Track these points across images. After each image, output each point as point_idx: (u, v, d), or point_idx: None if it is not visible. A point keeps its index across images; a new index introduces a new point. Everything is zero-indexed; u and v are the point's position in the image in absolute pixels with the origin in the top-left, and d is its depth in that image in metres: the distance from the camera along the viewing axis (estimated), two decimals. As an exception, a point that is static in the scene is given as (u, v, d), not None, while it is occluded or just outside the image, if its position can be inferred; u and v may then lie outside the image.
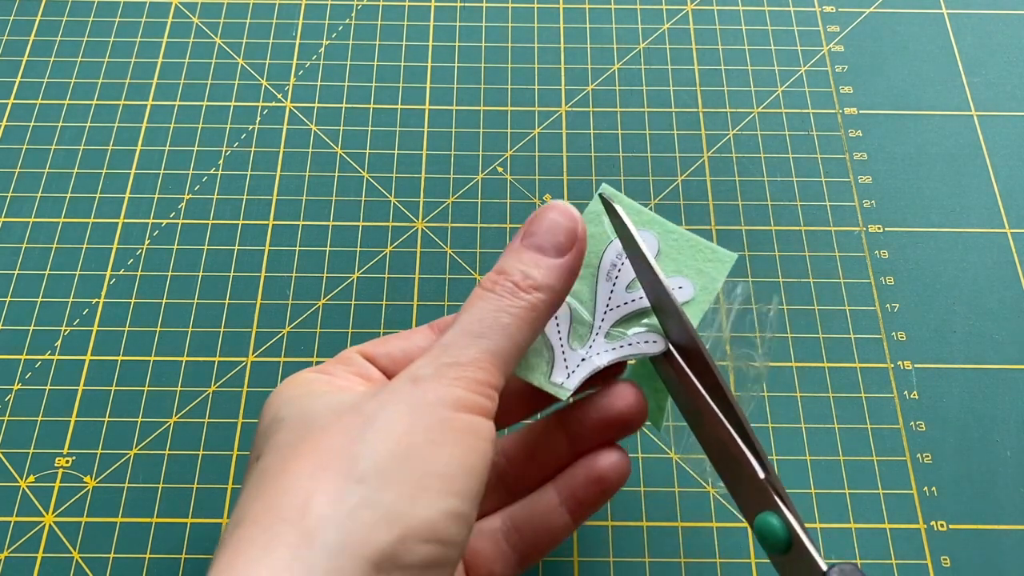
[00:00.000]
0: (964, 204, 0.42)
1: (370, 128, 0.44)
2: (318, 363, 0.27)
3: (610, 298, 0.28)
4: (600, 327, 0.28)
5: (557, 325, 0.28)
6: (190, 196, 0.42)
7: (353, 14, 0.47)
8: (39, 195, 0.42)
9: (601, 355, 0.28)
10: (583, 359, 0.27)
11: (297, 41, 0.46)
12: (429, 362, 0.23)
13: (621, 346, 0.28)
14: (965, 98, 0.45)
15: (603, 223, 0.29)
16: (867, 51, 0.46)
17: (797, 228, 0.41)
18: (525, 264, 0.25)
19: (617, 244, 0.29)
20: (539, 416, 0.31)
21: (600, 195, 0.29)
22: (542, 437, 0.29)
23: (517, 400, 0.29)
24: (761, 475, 0.25)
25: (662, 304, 0.27)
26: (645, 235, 0.29)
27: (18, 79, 0.45)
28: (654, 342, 0.28)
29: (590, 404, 0.28)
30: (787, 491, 0.25)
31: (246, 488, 0.22)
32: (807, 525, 0.34)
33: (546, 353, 0.28)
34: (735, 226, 0.41)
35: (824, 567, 0.22)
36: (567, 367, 0.27)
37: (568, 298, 0.29)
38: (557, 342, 0.28)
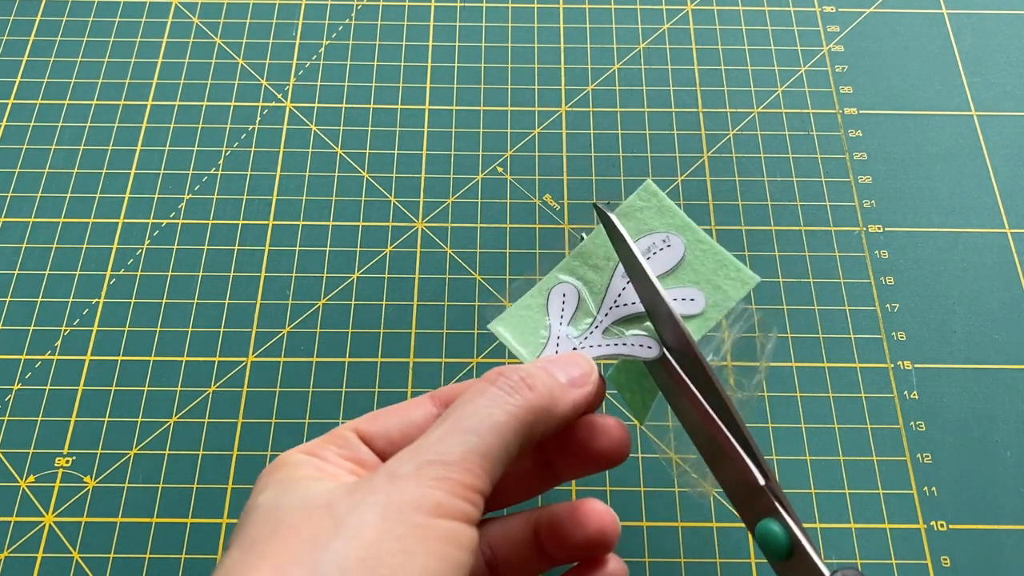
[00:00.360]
0: (964, 204, 0.42)
1: (370, 128, 0.44)
2: (314, 433, 0.26)
3: (619, 295, 0.29)
4: (601, 322, 0.28)
5: (563, 307, 0.28)
6: (190, 196, 0.42)
7: (353, 14, 0.47)
8: (39, 195, 0.42)
9: (593, 348, 0.28)
10: (574, 348, 0.28)
11: (297, 41, 0.46)
12: (411, 457, 0.21)
13: (615, 344, 0.28)
14: (965, 98, 0.45)
15: (639, 219, 0.30)
16: (867, 51, 0.46)
17: (797, 228, 0.41)
18: (533, 371, 0.24)
19: (644, 242, 0.29)
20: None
21: (595, 206, 0.29)
22: (514, 533, 0.27)
23: (516, 481, 0.27)
24: (761, 481, 0.25)
25: (657, 310, 0.27)
26: (674, 240, 0.29)
27: (18, 79, 0.45)
28: (649, 347, 0.28)
29: (558, 522, 0.26)
30: (787, 495, 0.25)
31: None
32: (807, 525, 0.34)
33: (543, 333, 0.28)
34: (735, 226, 0.41)
35: (827, 572, 0.22)
36: (558, 352, 0.27)
37: (580, 284, 0.29)
38: (557, 323, 0.28)
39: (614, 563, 0.26)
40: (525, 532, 0.27)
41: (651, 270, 0.27)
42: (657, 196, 0.30)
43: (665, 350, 0.27)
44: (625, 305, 0.28)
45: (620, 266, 0.29)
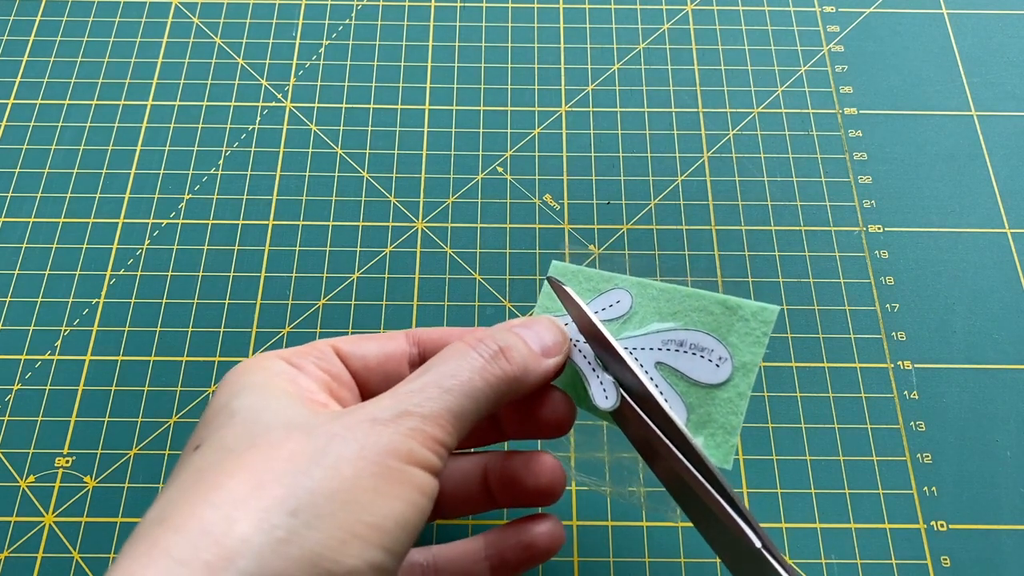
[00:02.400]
0: (964, 204, 0.42)
1: (370, 128, 0.44)
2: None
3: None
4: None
5: (581, 352, 0.28)
6: (190, 196, 0.42)
7: (353, 14, 0.47)
8: (39, 195, 0.42)
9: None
10: (613, 381, 0.28)
11: (297, 41, 0.46)
12: (391, 404, 0.23)
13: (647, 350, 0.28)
14: (965, 98, 0.45)
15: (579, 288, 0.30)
16: (867, 51, 0.46)
17: (797, 228, 0.41)
18: (512, 341, 0.25)
19: (597, 303, 0.30)
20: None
21: (548, 279, 0.30)
22: (465, 474, 0.29)
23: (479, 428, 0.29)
24: (757, 544, 0.24)
25: (610, 361, 0.28)
26: (617, 293, 0.29)
27: (18, 79, 0.45)
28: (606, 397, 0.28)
29: (511, 467, 0.28)
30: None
31: (178, 479, 0.21)
32: (809, 526, 0.34)
33: (581, 381, 0.28)
34: (735, 226, 0.41)
35: None
36: (604, 390, 0.27)
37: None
38: (587, 367, 0.28)
39: (552, 523, 0.28)
40: (474, 473, 0.28)
41: (610, 335, 0.28)
42: (574, 271, 0.30)
43: (630, 399, 0.27)
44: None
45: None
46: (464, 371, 0.24)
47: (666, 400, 0.27)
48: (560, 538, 0.28)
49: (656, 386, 0.27)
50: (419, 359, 0.28)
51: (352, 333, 0.38)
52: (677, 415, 0.26)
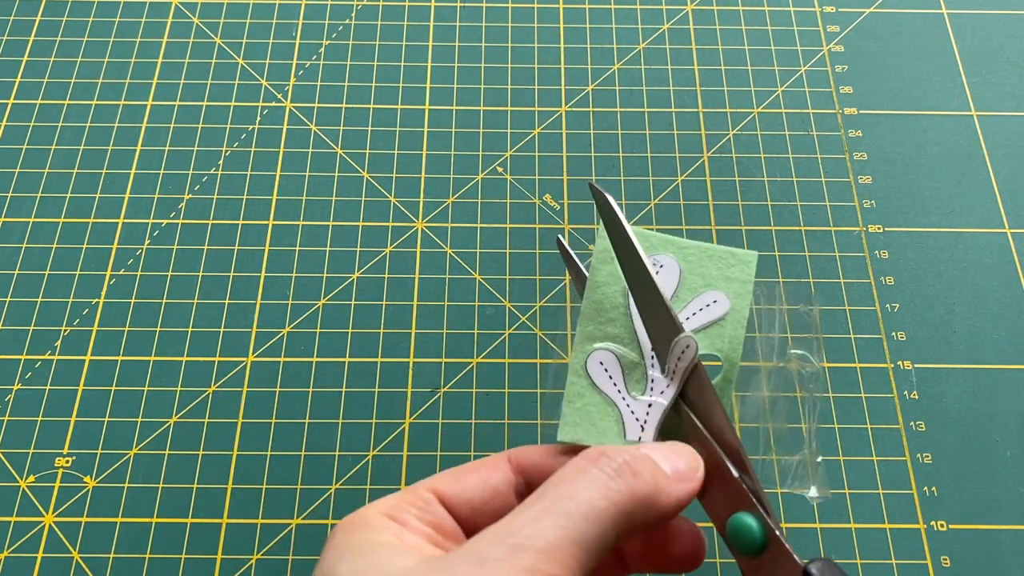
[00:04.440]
0: (964, 204, 0.42)
1: (370, 128, 0.44)
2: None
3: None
4: (653, 363, 0.26)
5: (611, 378, 0.26)
6: (190, 196, 0.42)
7: (353, 14, 0.47)
8: (39, 195, 0.42)
9: (665, 392, 0.26)
10: (649, 405, 0.26)
11: (297, 41, 0.46)
12: (500, 539, 0.20)
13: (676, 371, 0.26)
14: (965, 98, 0.45)
15: (615, 261, 0.28)
16: (867, 51, 0.46)
17: (797, 228, 0.41)
18: (639, 456, 0.22)
19: None
20: None
21: (591, 185, 0.27)
22: None
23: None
24: (735, 473, 0.24)
25: (653, 309, 0.26)
26: (663, 259, 0.28)
27: (18, 79, 0.45)
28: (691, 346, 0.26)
29: (654, 535, 0.25)
30: (764, 489, 0.24)
31: None
32: (809, 525, 0.34)
33: (611, 412, 0.26)
34: (735, 226, 0.41)
35: (801, 564, 0.22)
36: (637, 419, 0.26)
37: (611, 345, 0.27)
38: (618, 396, 0.26)
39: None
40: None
41: (650, 264, 0.26)
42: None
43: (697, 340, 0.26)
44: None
45: (631, 306, 0.27)
46: (583, 491, 0.20)
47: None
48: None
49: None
50: (526, 488, 0.25)
51: (352, 333, 0.38)
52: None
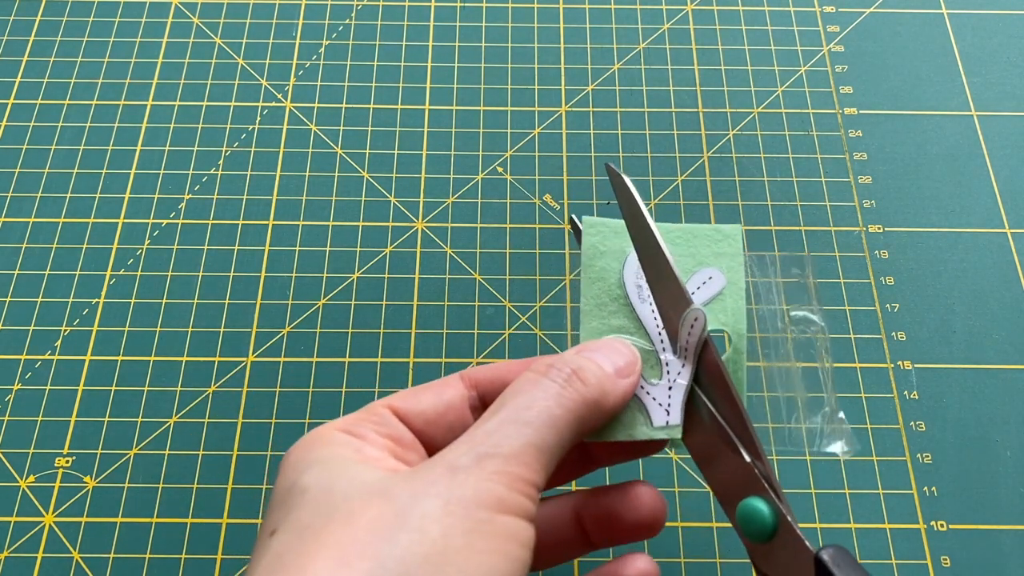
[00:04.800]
0: (964, 204, 0.42)
1: (370, 128, 0.44)
2: (333, 414, 0.26)
3: (656, 315, 0.27)
4: (664, 347, 0.27)
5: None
6: (190, 196, 0.42)
7: (353, 14, 0.47)
8: (39, 195, 0.42)
9: (682, 373, 0.26)
10: (670, 388, 0.26)
11: (297, 41, 0.46)
12: (468, 449, 0.21)
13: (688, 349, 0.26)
14: (965, 98, 0.45)
15: (605, 254, 0.28)
16: (867, 51, 0.46)
17: (797, 228, 0.41)
18: (584, 363, 0.24)
19: (632, 263, 0.28)
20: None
21: (607, 166, 0.28)
22: (556, 518, 0.27)
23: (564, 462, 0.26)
24: (747, 458, 0.24)
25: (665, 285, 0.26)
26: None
27: (18, 79, 0.45)
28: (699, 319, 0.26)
29: (608, 503, 0.26)
30: (776, 478, 0.24)
31: (258, 568, 0.19)
32: (809, 525, 0.34)
33: (633, 403, 0.26)
34: (735, 225, 0.41)
35: (813, 549, 0.22)
36: (660, 404, 0.26)
37: (619, 337, 0.27)
38: (644, 388, 0.26)
39: (645, 562, 0.26)
40: (565, 516, 0.26)
41: (664, 242, 0.26)
42: (601, 223, 0.29)
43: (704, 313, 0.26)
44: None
45: (630, 295, 0.27)
46: (539, 400, 0.22)
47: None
48: (656, 571, 0.26)
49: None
50: (480, 402, 0.26)
51: (352, 333, 0.38)
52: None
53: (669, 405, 0.26)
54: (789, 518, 0.23)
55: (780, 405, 0.31)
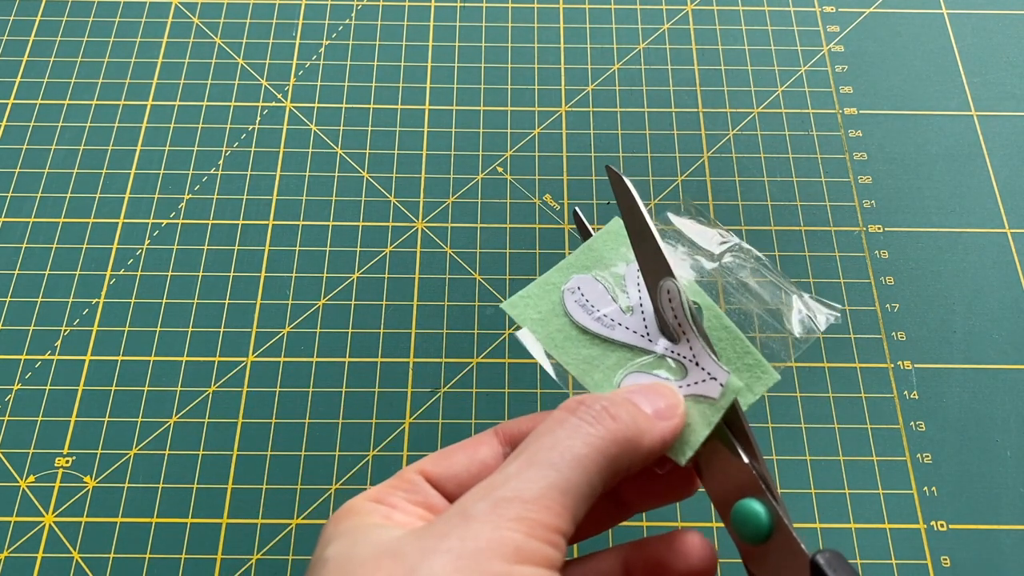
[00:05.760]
0: (964, 204, 0.42)
1: (370, 128, 0.44)
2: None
3: (646, 321, 0.27)
4: (688, 330, 0.26)
5: (670, 374, 0.26)
6: (190, 196, 0.42)
7: (353, 14, 0.47)
8: (39, 195, 0.42)
9: (693, 345, 0.26)
10: (697, 363, 0.26)
11: (297, 41, 0.46)
12: (485, 494, 0.19)
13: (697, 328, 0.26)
14: (965, 98, 0.45)
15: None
16: (867, 51, 0.46)
17: (797, 228, 0.41)
18: (617, 400, 0.22)
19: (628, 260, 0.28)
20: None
21: (608, 168, 0.27)
22: (602, 574, 0.26)
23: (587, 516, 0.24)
24: (744, 459, 0.24)
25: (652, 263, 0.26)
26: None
27: (18, 79, 0.45)
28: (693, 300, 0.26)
29: (657, 552, 0.25)
30: (773, 480, 0.24)
31: None
32: (809, 525, 0.34)
33: (690, 408, 0.25)
34: (735, 226, 0.41)
35: (808, 553, 0.21)
36: (703, 379, 0.25)
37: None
38: (681, 386, 0.26)
39: (698, 541, 0.25)
40: (612, 570, 0.25)
41: (663, 242, 0.26)
42: (521, 302, 0.28)
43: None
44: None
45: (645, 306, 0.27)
46: (563, 440, 0.20)
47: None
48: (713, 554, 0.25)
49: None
50: None
51: (352, 333, 0.38)
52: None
53: (708, 373, 0.25)
54: (785, 520, 0.23)
55: (765, 319, 0.30)
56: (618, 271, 0.28)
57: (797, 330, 0.28)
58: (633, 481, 0.25)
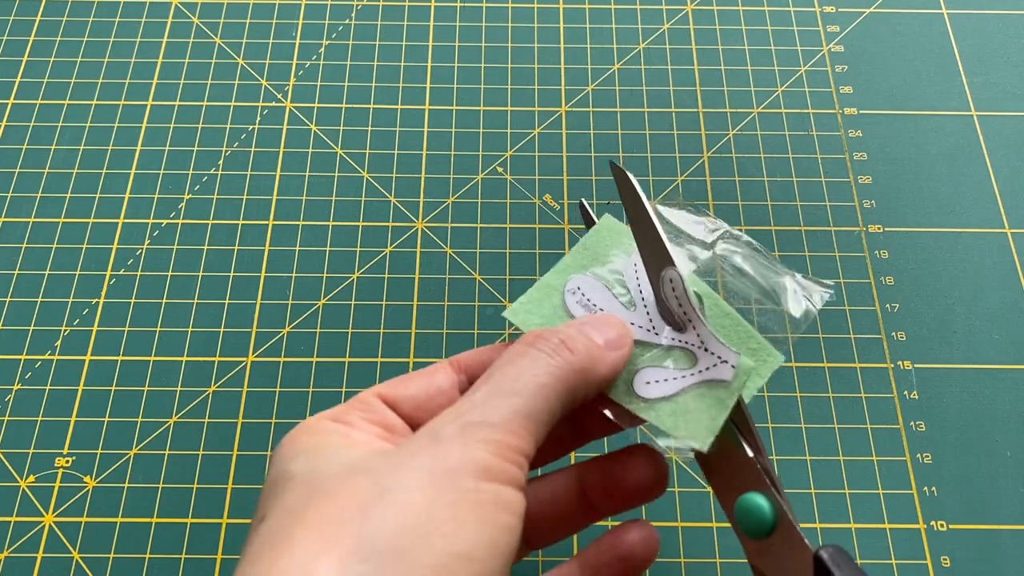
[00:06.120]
0: (964, 204, 0.42)
1: (370, 128, 0.44)
2: (327, 406, 0.25)
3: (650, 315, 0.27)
4: (693, 317, 0.26)
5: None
6: (190, 196, 0.42)
7: (353, 14, 0.47)
8: (39, 195, 0.42)
9: (701, 332, 0.26)
10: (706, 349, 0.26)
11: (297, 41, 0.46)
12: (453, 418, 0.21)
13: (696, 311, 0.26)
14: (965, 98, 0.45)
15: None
16: (867, 51, 0.46)
17: (797, 228, 0.41)
18: (572, 333, 0.24)
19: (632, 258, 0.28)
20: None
21: (611, 164, 0.28)
22: (559, 491, 0.27)
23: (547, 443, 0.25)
24: (750, 453, 0.24)
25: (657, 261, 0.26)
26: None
27: (18, 79, 0.45)
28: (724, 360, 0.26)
29: (609, 469, 0.26)
30: (776, 475, 0.24)
31: (247, 553, 0.19)
32: (809, 525, 0.34)
33: (706, 393, 0.25)
34: (735, 226, 0.41)
35: (812, 547, 0.22)
36: (715, 364, 0.25)
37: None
38: (692, 373, 0.26)
39: (646, 529, 0.26)
40: (570, 488, 0.27)
41: (668, 242, 0.26)
42: (523, 309, 0.28)
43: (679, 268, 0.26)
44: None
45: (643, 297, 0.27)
46: (527, 370, 0.22)
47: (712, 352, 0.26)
48: (656, 544, 0.26)
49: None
50: (468, 385, 0.26)
51: (352, 333, 0.38)
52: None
53: (719, 357, 0.26)
54: (789, 515, 0.23)
55: (763, 303, 0.30)
56: (615, 267, 0.28)
57: (795, 310, 0.28)
58: (601, 479, 0.26)
